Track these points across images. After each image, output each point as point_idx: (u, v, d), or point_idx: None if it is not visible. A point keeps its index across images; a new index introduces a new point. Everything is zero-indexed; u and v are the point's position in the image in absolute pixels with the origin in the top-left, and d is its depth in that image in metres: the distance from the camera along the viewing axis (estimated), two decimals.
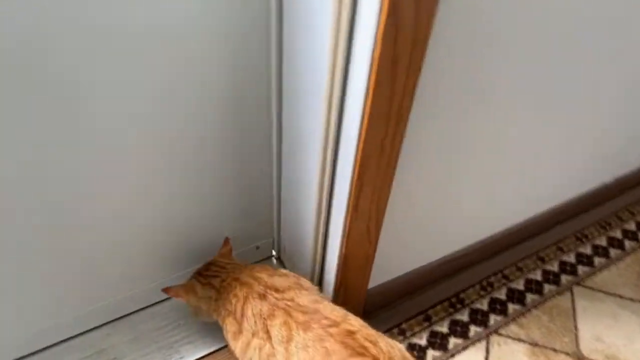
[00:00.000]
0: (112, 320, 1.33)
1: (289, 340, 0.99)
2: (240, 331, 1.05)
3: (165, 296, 1.39)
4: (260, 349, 1.01)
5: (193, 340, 1.31)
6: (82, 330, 1.30)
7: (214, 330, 1.32)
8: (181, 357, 1.27)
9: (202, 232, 1.33)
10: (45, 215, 1.03)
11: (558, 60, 1.12)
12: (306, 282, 1.13)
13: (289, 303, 1.04)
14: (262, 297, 1.06)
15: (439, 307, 1.45)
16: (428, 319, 1.42)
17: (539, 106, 1.22)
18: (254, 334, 1.03)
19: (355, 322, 1.01)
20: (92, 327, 1.31)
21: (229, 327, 1.09)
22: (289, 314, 1.02)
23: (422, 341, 1.36)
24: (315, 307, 1.04)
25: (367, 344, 0.97)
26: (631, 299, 1.49)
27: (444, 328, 1.39)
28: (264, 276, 1.12)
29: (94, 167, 1.02)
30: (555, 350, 1.35)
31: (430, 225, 1.33)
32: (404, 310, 1.42)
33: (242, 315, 1.06)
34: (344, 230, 1.05)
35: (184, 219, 1.27)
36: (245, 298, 1.07)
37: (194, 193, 1.22)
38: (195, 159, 1.14)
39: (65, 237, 1.10)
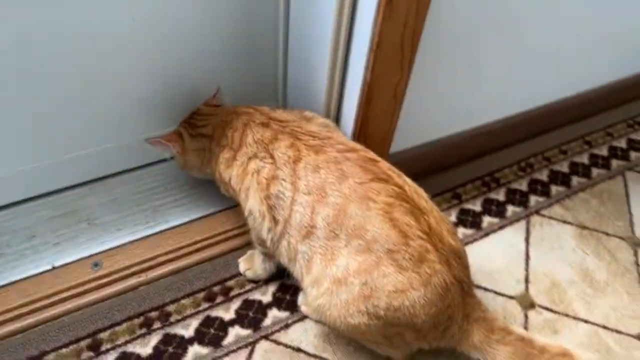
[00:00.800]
0: (89, 181, 1.13)
1: (296, 160, 0.79)
2: (234, 158, 0.86)
3: (150, 160, 1.18)
4: (258, 172, 0.82)
5: (183, 204, 1.11)
6: (54, 188, 1.09)
7: (207, 193, 1.12)
8: (167, 221, 1.07)
9: (199, 84, 1.10)
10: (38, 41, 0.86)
11: None
12: (311, 113, 0.93)
13: (296, 129, 0.84)
14: (265, 125, 0.86)
15: (469, 185, 1.24)
16: (457, 196, 1.21)
17: None
18: (251, 157, 0.84)
19: (374, 154, 0.81)
20: (66, 185, 1.10)
21: (222, 157, 0.89)
22: (296, 137, 0.82)
23: (451, 218, 1.16)
24: (327, 135, 0.84)
25: (390, 172, 0.79)
26: None
27: (476, 206, 1.19)
28: (265, 108, 0.93)
29: None
30: (607, 234, 1.15)
31: (462, 86, 1.10)
32: (429, 186, 1.17)
33: (241, 144, 0.86)
34: (371, 43, 0.82)
35: (181, 66, 1.05)
36: (245, 126, 0.87)
37: (193, 34, 1.01)
38: None
39: (57, 66, 0.91)
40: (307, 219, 0.78)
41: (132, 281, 0.96)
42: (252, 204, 0.83)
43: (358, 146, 0.82)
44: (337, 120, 1.03)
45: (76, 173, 1.10)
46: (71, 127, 1.01)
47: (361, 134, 0.98)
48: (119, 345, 0.88)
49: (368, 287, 0.73)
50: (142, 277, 0.97)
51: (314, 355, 0.90)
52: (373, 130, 0.97)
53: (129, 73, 1.00)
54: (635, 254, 1.11)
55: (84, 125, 1.03)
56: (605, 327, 0.98)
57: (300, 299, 0.96)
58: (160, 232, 1.04)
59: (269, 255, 0.93)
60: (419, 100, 1.02)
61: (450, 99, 1.11)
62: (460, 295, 0.77)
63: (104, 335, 0.89)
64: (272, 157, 0.81)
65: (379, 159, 0.81)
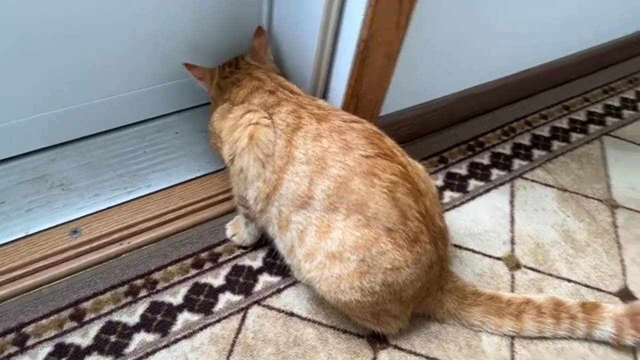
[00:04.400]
0: (57, 145, 1.05)
1: (296, 129, 0.76)
2: (230, 110, 0.82)
3: (123, 123, 1.11)
4: (253, 126, 0.78)
5: (162, 169, 1.05)
6: (19, 152, 1.01)
7: (188, 158, 1.07)
8: (148, 186, 1.02)
9: (176, 39, 1.02)
10: None
11: None
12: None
13: (303, 100, 0.82)
14: (271, 92, 0.83)
15: (455, 149, 1.24)
16: (444, 160, 1.21)
17: None
18: (249, 111, 0.79)
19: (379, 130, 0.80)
20: (32, 149, 1.03)
21: (219, 108, 0.85)
22: (300, 106, 0.80)
23: (438, 182, 1.15)
24: (334, 108, 0.83)
25: (395, 150, 0.79)
26: None
27: (462, 170, 1.19)
28: (279, 77, 0.89)
29: None
30: (586, 196, 1.18)
31: (452, 48, 1.08)
32: (416, 150, 1.17)
33: (243, 102, 0.83)
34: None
35: (153, 22, 0.97)
36: (253, 89, 0.84)
37: None
38: None
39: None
40: (303, 189, 0.76)
41: (114, 248, 0.91)
42: (246, 162, 0.79)
43: (363, 120, 0.80)
44: (327, 80, 0.99)
45: (43, 136, 1.02)
46: (35, 86, 0.93)
47: (354, 95, 0.95)
48: (104, 315, 0.84)
49: (365, 263, 0.74)
50: (125, 244, 0.92)
51: (308, 319, 0.89)
52: (366, 90, 0.94)
53: (101, 33, 0.92)
54: (613, 215, 1.14)
55: (50, 84, 0.94)
56: (586, 286, 1.01)
57: None
58: (141, 197, 0.99)
59: (250, 217, 0.90)
60: (409, 62, 0.99)
61: (439, 62, 1.09)
62: (439, 271, 0.83)
63: (86, 304, 0.85)
64: (271, 119, 0.78)
65: (384, 134, 0.79)
